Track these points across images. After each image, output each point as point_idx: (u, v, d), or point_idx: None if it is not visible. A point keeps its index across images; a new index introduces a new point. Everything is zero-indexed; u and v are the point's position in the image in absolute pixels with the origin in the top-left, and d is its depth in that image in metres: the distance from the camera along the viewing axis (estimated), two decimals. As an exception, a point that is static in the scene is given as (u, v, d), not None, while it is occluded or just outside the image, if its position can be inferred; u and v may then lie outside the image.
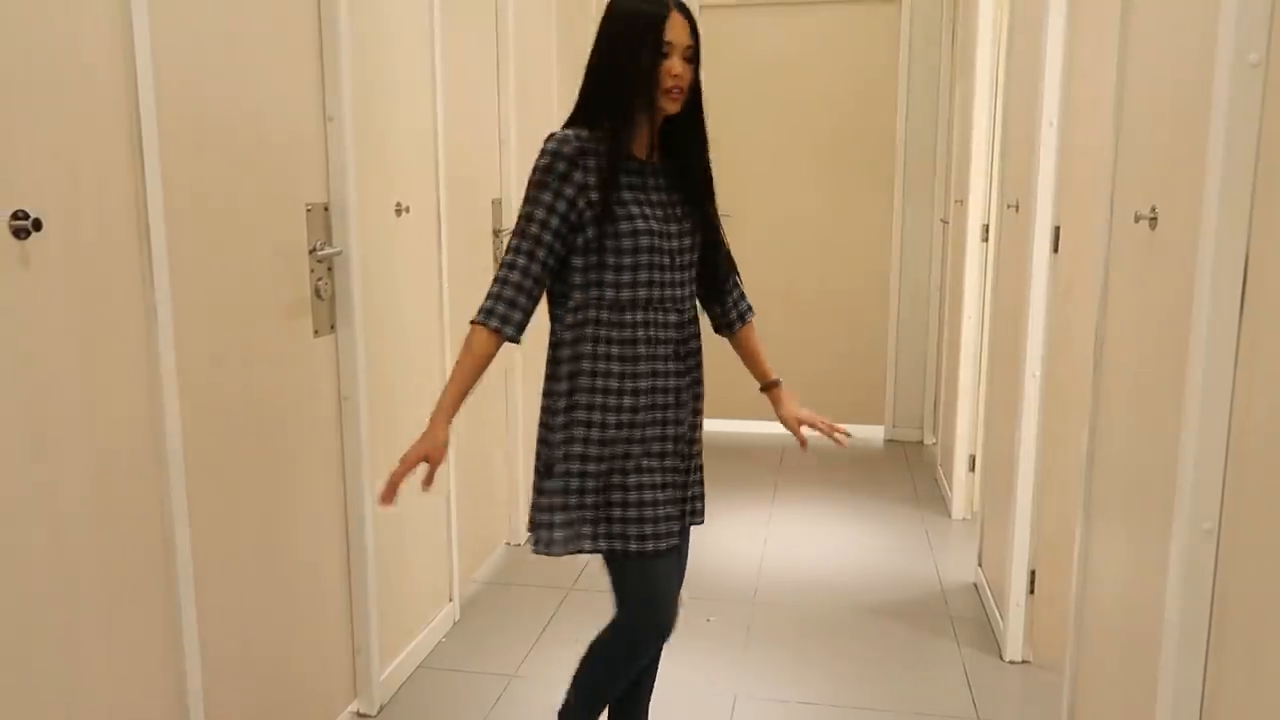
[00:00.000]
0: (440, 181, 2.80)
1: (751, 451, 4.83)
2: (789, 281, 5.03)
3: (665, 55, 1.72)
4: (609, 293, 1.77)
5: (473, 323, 1.74)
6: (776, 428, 2.07)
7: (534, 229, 1.74)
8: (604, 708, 2.00)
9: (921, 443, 5.03)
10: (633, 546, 1.79)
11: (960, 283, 3.97)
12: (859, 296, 5.05)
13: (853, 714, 2.51)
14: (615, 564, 1.84)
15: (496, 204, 3.36)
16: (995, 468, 3.11)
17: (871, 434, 5.12)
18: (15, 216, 1.33)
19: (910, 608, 3.13)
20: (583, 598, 3.16)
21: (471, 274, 3.12)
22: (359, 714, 2.42)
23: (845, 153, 4.97)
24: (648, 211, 1.78)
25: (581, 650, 1.94)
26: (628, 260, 1.76)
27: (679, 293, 1.83)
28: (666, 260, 1.80)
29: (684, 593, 1.98)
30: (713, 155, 1.88)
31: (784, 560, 3.49)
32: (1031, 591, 2.70)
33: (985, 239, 3.71)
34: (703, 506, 1.97)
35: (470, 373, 1.74)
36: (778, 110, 4.99)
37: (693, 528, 1.98)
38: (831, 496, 4.19)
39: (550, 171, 1.73)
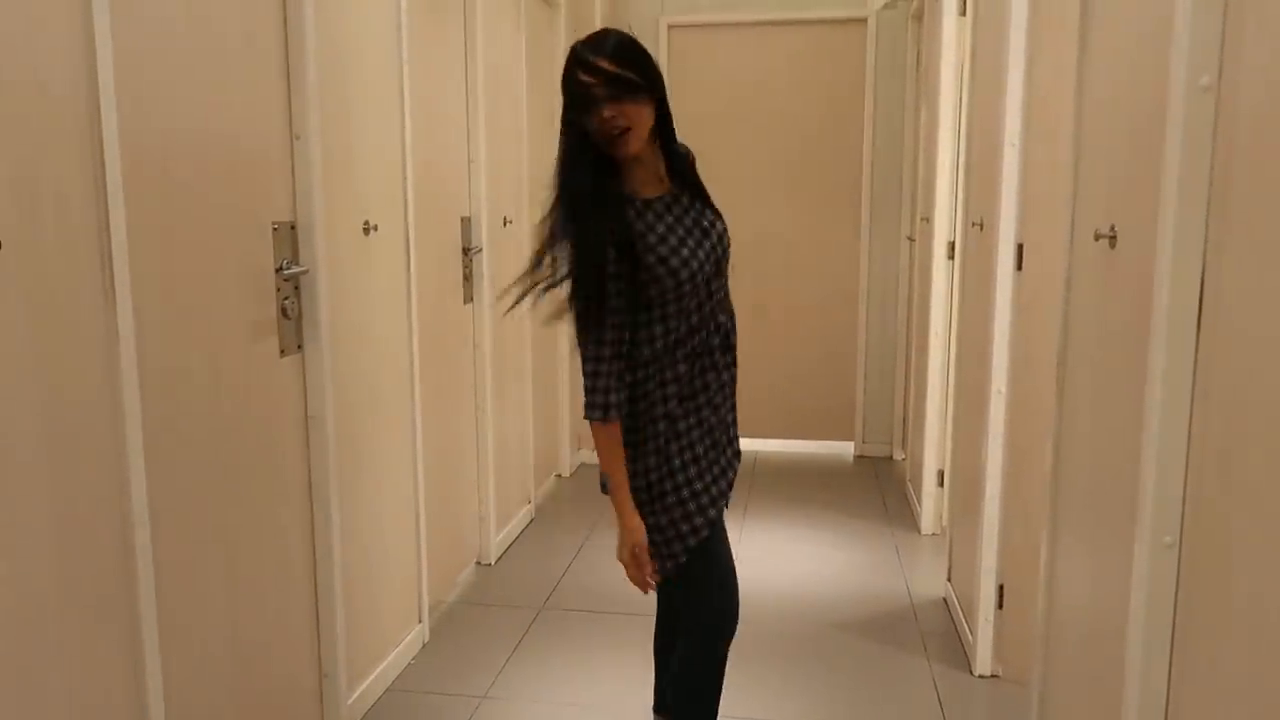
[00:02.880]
0: (409, 200, 2.79)
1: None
2: (759, 298, 5.06)
3: (590, 114, 1.70)
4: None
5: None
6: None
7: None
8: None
9: (891, 458, 5.06)
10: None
11: (927, 299, 4.01)
12: (828, 313, 5.09)
13: (824, 731, 2.51)
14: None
15: (466, 222, 3.36)
16: (963, 483, 3.14)
17: (842, 450, 5.15)
18: (-27, 236, 1.32)
19: (881, 623, 3.14)
20: (554, 616, 3.14)
21: (441, 292, 3.12)
22: (326, 738, 2.39)
23: (814, 171, 5.02)
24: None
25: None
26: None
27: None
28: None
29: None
30: None
31: (755, 578, 3.49)
32: (1000, 606, 2.72)
33: (951, 256, 3.76)
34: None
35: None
36: (747, 129, 5.03)
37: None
38: (802, 513, 4.20)
39: None
